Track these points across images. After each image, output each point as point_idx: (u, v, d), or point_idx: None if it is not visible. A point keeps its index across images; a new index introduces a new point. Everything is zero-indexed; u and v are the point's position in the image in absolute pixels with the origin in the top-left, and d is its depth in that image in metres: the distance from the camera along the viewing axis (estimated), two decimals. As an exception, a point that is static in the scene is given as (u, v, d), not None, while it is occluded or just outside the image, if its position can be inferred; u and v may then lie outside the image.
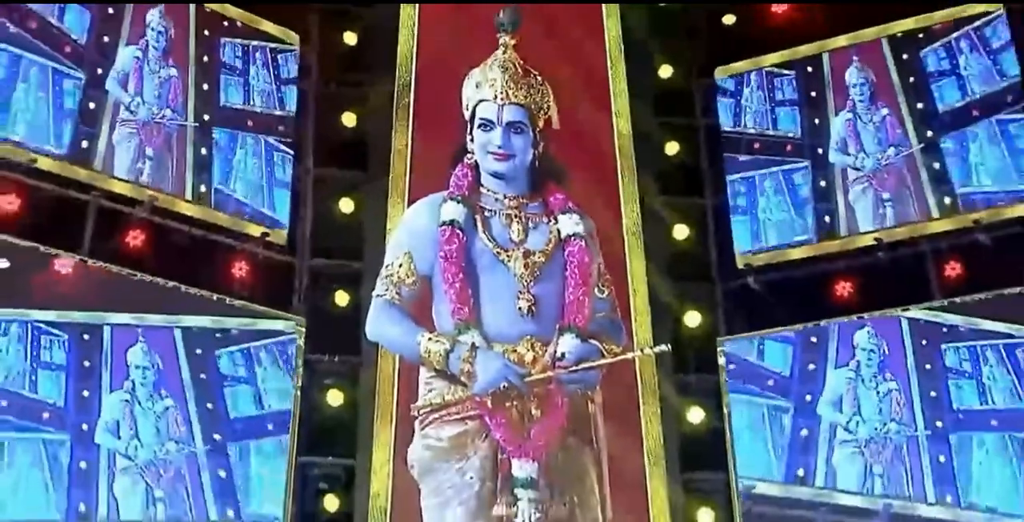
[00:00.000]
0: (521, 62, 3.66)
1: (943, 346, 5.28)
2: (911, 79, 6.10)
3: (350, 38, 6.61)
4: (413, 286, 3.57)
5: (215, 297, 5.68)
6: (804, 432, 5.30)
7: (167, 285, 5.49)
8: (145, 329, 4.98)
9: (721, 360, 6.09)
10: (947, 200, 5.80)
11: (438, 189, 3.67)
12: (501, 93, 3.59)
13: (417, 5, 6.63)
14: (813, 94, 6.35)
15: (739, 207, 6.32)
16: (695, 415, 6.05)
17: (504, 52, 3.67)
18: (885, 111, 6.13)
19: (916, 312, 5.45)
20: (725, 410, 6.01)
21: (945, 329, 5.29)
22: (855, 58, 6.24)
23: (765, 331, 6.08)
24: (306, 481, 5.71)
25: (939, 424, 5.15)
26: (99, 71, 5.51)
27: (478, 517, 3.35)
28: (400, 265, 3.58)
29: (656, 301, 6.17)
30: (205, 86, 5.92)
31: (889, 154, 6.05)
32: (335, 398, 5.84)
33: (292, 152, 6.17)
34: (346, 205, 6.24)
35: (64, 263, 4.99)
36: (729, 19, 6.84)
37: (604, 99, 6.57)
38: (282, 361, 5.17)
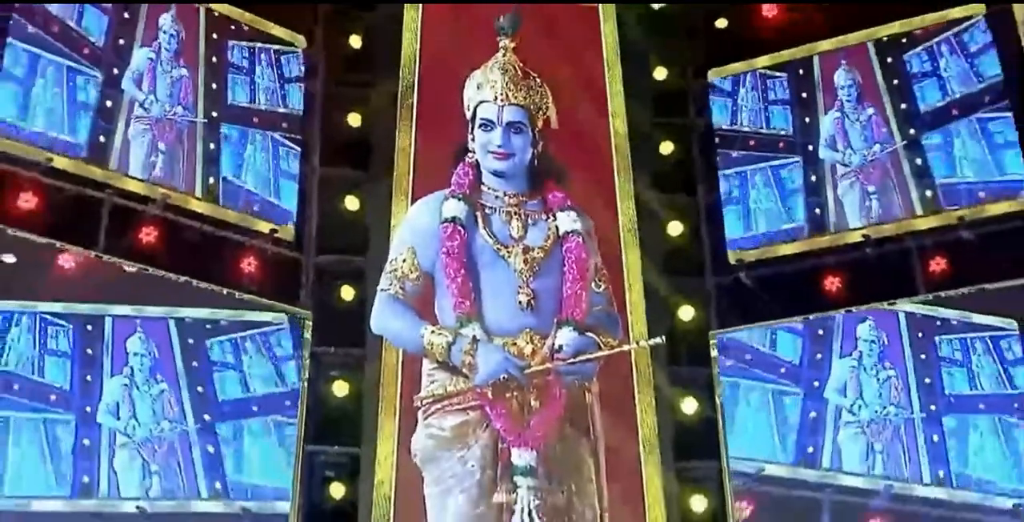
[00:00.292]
0: (520, 64, 3.65)
1: (937, 338, 5.52)
2: (895, 81, 6.20)
3: (355, 41, 6.60)
4: (416, 281, 3.57)
5: (225, 291, 5.71)
6: (813, 414, 5.54)
7: (177, 280, 5.53)
8: (143, 320, 5.21)
9: (714, 352, 6.10)
10: (928, 193, 5.92)
11: (440, 187, 3.66)
12: (501, 94, 3.58)
13: (420, 7, 6.62)
14: (804, 95, 6.43)
15: (732, 198, 6.38)
16: (688, 405, 6.05)
17: (504, 55, 3.66)
18: (871, 111, 6.22)
19: (912, 307, 5.63)
20: (718, 401, 6.03)
21: (939, 322, 5.53)
22: (843, 61, 6.33)
23: (757, 324, 6.11)
24: (313, 469, 5.71)
25: (933, 408, 5.41)
26: (115, 71, 5.64)
27: (479, 504, 3.35)
28: (404, 261, 3.58)
29: (651, 295, 6.16)
30: (214, 85, 6.01)
31: (875, 150, 6.14)
32: (341, 389, 5.84)
33: (296, 147, 6.20)
34: (351, 203, 6.23)
35: (67, 258, 5.16)
36: (722, 23, 6.84)
37: (601, 100, 6.56)
38: (265, 349, 5.36)
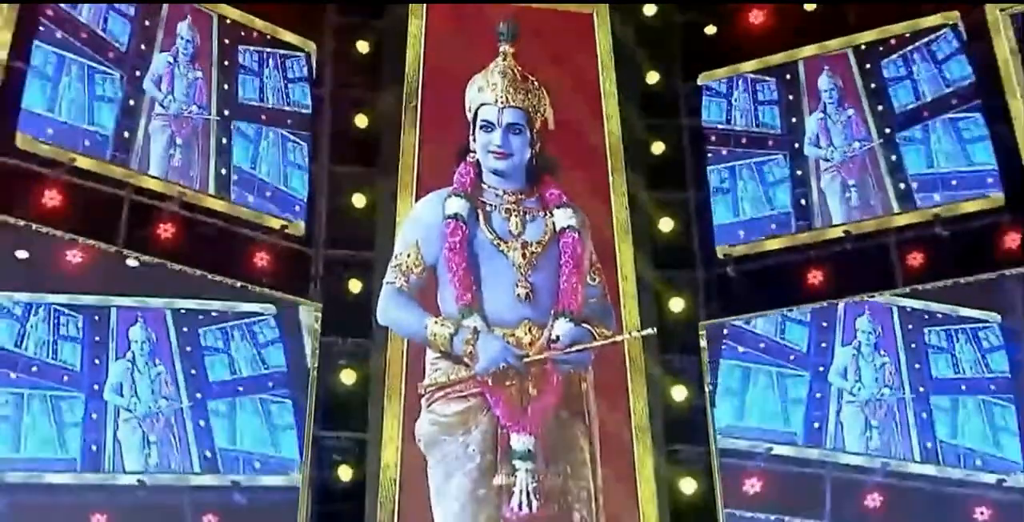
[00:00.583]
0: (519, 68, 3.67)
1: (925, 329, 5.79)
2: (872, 85, 6.34)
3: (363, 47, 6.60)
4: (421, 274, 3.59)
5: (239, 285, 5.74)
6: (818, 395, 5.83)
7: (194, 273, 5.61)
8: (143, 310, 5.47)
9: (702, 342, 6.13)
10: (902, 186, 6.09)
11: (444, 185, 3.68)
12: (501, 97, 3.60)
13: (424, 16, 6.63)
14: (791, 97, 6.54)
15: (722, 189, 6.48)
16: (678, 393, 6.06)
17: (504, 59, 3.68)
18: (851, 112, 6.36)
19: (905, 302, 5.87)
20: (707, 388, 6.05)
21: (926, 316, 5.80)
22: (826, 67, 6.46)
23: (744, 315, 6.14)
24: (321, 453, 5.72)
25: (921, 389, 5.71)
26: (137, 73, 5.82)
27: (480, 486, 3.37)
28: (408, 255, 3.60)
29: (643, 288, 6.16)
30: (226, 86, 6.14)
31: (854, 147, 6.30)
32: (348, 377, 5.84)
33: (301, 142, 6.27)
34: (358, 200, 6.23)
35: (75, 254, 5.36)
36: (710, 29, 6.84)
37: (595, 102, 6.56)
38: (249, 336, 5.66)
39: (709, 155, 6.59)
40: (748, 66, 6.66)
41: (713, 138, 6.60)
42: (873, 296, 5.94)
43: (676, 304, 6.24)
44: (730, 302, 6.26)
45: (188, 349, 5.50)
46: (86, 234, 5.40)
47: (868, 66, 6.36)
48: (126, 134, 5.67)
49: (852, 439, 5.75)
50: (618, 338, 3.65)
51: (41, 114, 5.41)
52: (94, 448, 5.18)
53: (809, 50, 6.54)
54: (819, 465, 5.75)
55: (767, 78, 6.60)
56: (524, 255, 3.53)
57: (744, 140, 6.55)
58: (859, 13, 6.44)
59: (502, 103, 3.57)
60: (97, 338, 5.34)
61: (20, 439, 5.06)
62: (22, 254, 5.25)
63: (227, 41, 6.21)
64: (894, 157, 6.16)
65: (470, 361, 3.39)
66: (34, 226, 5.26)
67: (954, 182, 5.98)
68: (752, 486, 5.78)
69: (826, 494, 5.69)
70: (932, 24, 6.24)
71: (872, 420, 5.74)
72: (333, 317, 5.93)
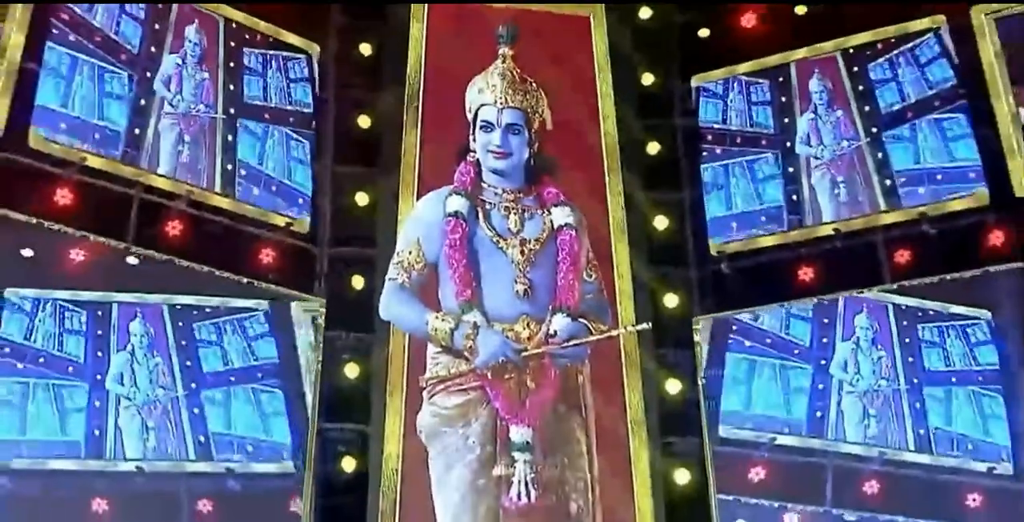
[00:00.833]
0: (518, 70, 3.66)
1: (918, 325, 5.99)
2: (860, 87, 6.41)
3: (365, 49, 6.58)
4: (422, 271, 3.58)
5: (243, 280, 5.77)
6: (820, 386, 6.00)
7: (202, 269, 5.67)
8: (142, 306, 5.67)
9: (696, 337, 6.13)
10: (887, 182, 6.17)
11: (444, 184, 3.67)
12: (500, 98, 3.59)
13: (426, 18, 6.62)
14: (783, 99, 6.58)
15: (716, 185, 6.52)
16: (672, 386, 6.05)
17: (503, 61, 3.67)
18: (840, 113, 6.43)
19: (900, 300, 6.02)
20: (700, 382, 6.06)
21: (919, 313, 5.98)
22: (816, 71, 6.53)
23: (736, 311, 6.19)
24: (326, 444, 5.71)
25: (915, 381, 5.92)
26: (148, 74, 5.93)
27: (480, 476, 3.36)
28: (410, 252, 3.59)
29: (638, 284, 6.15)
30: (231, 86, 6.21)
31: (843, 146, 6.37)
32: (352, 371, 5.84)
33: (303, 140, 6.31)
34: (361, 198, 6.22)
35: (77, 252, 5.52)
36: (704, 32, 6.83)
37: (592, 103, 6.55)
38: (240, 330, 5.84)
39: (704, 154, 6.60)
40: (741, 68, 6.67)
41: (709, 137, 6.64)
42: (863, 292, 5.99)
43: (670, 300, 6.24)
44: (723, 298, 6.26)
45: (183, 342, 5.70)
46: (97, 232, 5.43)
47: (856, 69, 6.44)
48: (137, 131, 5.76)
49: (852, 428, 5.92)
50: (614, 333, 3.64)
51: (55, 109, 5.48)
52: (97, 433, 5.40)
53: (800, 53, 6.57)
54: (820, 454, 5.90)
55: (760, 80, 6.65)
56: (523, 252, 3.52)
57: (739, 139, 6.60)
58: (848, 17, 6.46)
59: (501, 104, 3.56)
60: (99, 332, 5.55)
61: (26, 426, 5.29)
62: (27, 252, 5.42)
63: (232, 44, 6.28)
64: (880, 155, 6.24)
65: (470, 355, 3.38)
66: (46, 224, 5.27)
67: (939, 177, 6.04)
68: (757, 474, 5.89)
69: (827, 482, 5.85)
70: (920, 28, 6.28)
71: (870, 409, 5.91)
72: (337, 312, 5.92)
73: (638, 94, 6.74)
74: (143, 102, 5.85)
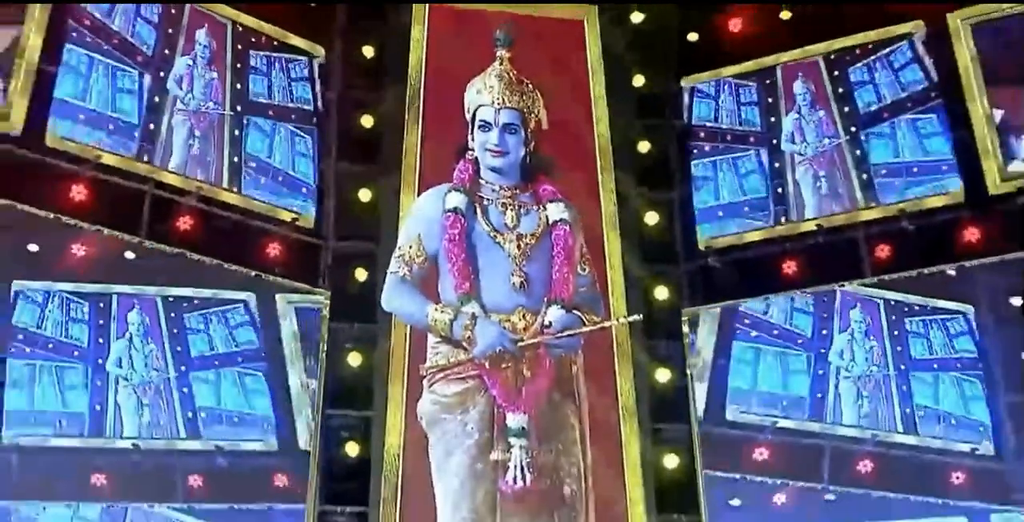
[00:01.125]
0: (515, 72, 3.65)
1: (905, 319, 6.29)
2: (840, 89, 6.54)
3: (368, 51, 6.59)
4: (422, 264, 3.57)
5: (253, 274, 5.85)
6: (820, 371, 6.29)
7: (211, 262, 5.78)
8: (139, 297, 6.00)
9: (685, 328, 6.21)
10: (865, 176, 6.33)
11: (444, 181, 3.66)
12: (498, 98, 3.58)
13: (426, 20, 6.62)
14: (770, 100, 6.68)
15: (706, 179, 6.63)
16: (662, 375, 6.08)
17: (501, 63, 3.66)
18: (822, 113, 6.56)
19: (891, 295, 6.29)
20: (689, 372, 6.10)
21: (906, 307, 6.29)
22: (800, 74, 6.65)
23: (723, 303, 6.30)
24: (329, 431, 5.73)
25: (902, 367, 6.24)
26: (162, 74, 6.07)
27: (478, 461, 3.36)
28: (411, 246, 3.58)
29: (630, 277, 6.17)
30: (238, 86, 6.33)
31: (824, 144, 6.52)
32: (355, 360, 5.86)
33: (307, 136, 6.39)
34: (364, 195, 6.24)
35: (79, 247, 5.77)
36: (693, 36, 6.85)
37: (586, 104, 6.56)
38: (224, 320, 6.12)
39: (694, 151, 6.66)
40: (730, 71, 6.72)
41: (702, 135, 6.73)
42: (843, 285, 6.10)
43: (661, 293, 6.26)
44: (711, 291, 6.29)
45: (175, 330, 6.03)
46: (111, 226, 5.45)
47: (836, 73, 6.57)
48: (152, 127, 5.91)
49: (847, 409, 6.22)
50: (606, 324, 3.64)
51: (72, 102, 5.62)
52: (98, 408, 5.73)
53: (785, 57, 6.62)
54: (819, 436, 6.18)
55: (749, 82, 6.74)
56: (519, 246, 3.52)
57: (728, 137, 6.70)
58: (831, 22, 6.50)
59: (498, 104, 3.55)
60: (101, 321, 5.89)
61: (33, 403, 5.66)
62: (33, 247, 5.72)
63: (239, 46, 6.36)
64: (859, 152, 6.38)
65: (468, 345, 3.38)
66: (63, 218, 5.32)
67: (915, 169, 6.18)
68: (760, 454, 6.13)
69: (824, 461, 6.13)
70: (899, 32, 6.35)
71: (863, 391, 6.22)
72: (341, 304, 5.94)
73: (630, 95, 6.75)
74: (157, 100, 5.98)
